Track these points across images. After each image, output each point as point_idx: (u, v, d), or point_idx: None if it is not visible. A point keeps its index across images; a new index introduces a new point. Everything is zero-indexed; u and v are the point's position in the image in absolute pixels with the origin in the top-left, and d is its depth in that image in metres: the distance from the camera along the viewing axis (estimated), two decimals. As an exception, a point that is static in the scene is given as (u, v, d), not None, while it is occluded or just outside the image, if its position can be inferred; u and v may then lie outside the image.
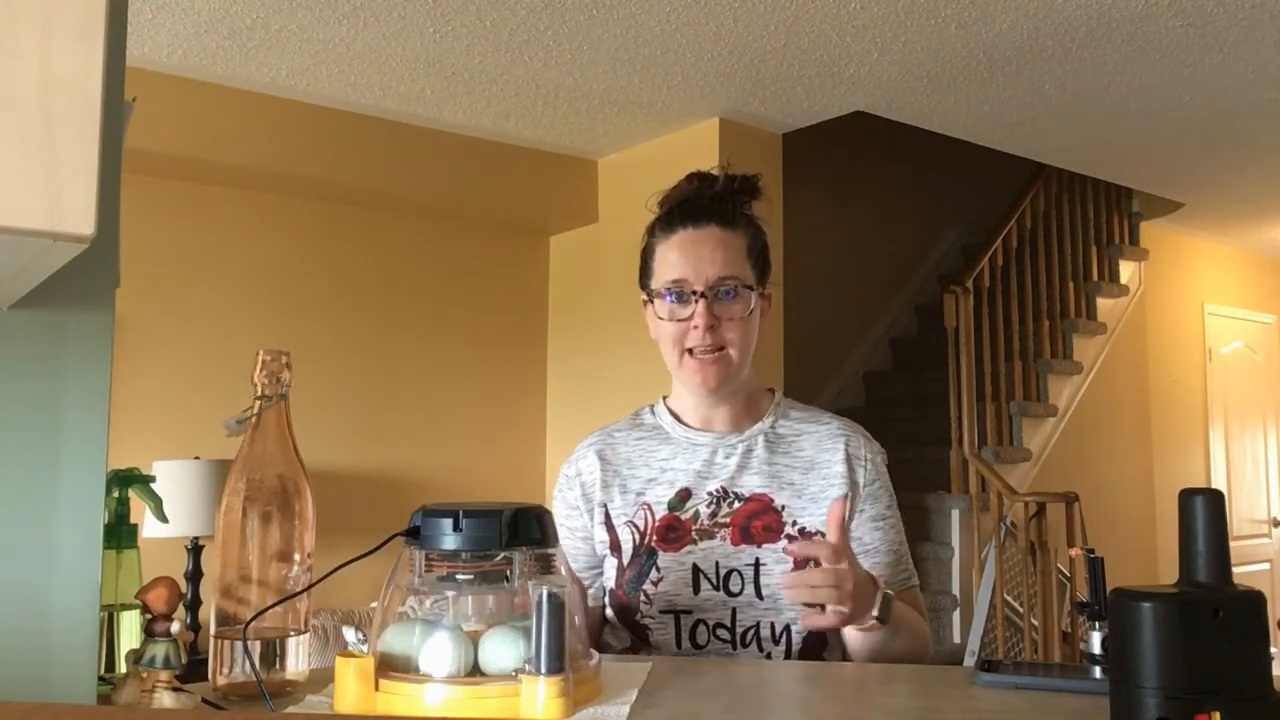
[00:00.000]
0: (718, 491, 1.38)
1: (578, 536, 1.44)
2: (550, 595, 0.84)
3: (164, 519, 1.09)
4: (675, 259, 1.37)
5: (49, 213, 0.61)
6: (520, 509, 0.95)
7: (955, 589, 4.48)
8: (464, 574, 0.94)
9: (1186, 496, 0.79)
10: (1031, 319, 5.14)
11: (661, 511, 1.38)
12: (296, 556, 1.00)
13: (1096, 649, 0.99)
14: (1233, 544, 0.90)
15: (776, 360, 4.04)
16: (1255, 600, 0.76)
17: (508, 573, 0.93)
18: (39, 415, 0.83)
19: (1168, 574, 0.80)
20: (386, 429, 4.22)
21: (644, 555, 1.37)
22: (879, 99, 3.81)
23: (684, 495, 1.39)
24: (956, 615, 4.45)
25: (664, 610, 1.34)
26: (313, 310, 4.07)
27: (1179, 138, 4.36)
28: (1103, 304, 5.57)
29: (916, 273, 6.04)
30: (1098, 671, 0.98)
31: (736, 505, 1.37)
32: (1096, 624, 1.00)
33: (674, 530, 1.37)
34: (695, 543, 1.35)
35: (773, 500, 1.37)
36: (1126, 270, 5.82)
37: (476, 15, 3.11)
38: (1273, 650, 0.78)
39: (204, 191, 3.88)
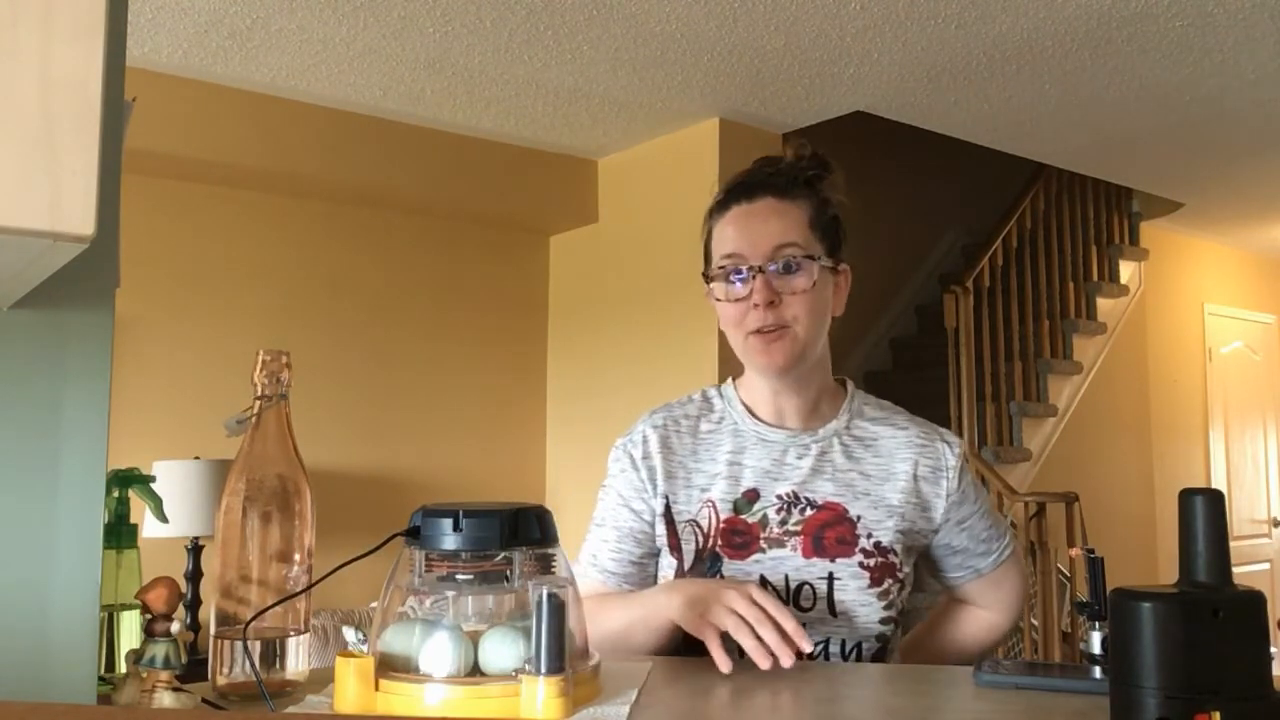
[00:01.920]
0: (788, 496, 1.29)
1: (644, 520, 1.33)
2: (550, 595, 0.84)
3: (164, 519, 1.09)
4: (730, 234, 1.29)
5: (49, 213, 0.61)
6: (520, 509, 0.95)
7: (955, 589, 4.47)
8: (464, 574, 0.94)
9: (1186, 496, 0.79)
10: (1031, 319, 5.14)
11: (726, 512, 1.29)
12: (296, 556, 1.00)
13: (1096, 649, 0.99)
14: (1233, 544, 0.90)
15: (776, 360, 4.03)
16: (1255, 600, 0.76)
17: (508, 573, 0.93)
18: (39, 415, 0.83)
19: (1168, 574, 0.80)
20: (386, 429, 4.22)
21: (707, 560, 1.28)
22: (879, 99, 3.80)
23: (751, 497, 1.29)
24: (956, 615, 4.45)
25: None
26: (313, 310, 4.07)
27: (1179, 138, 4.36)
28: (1103, 304, 5.57)
29: (916, 273, 6.04)
30: (1098, 671, 0.98)
31: (809, 513, 1.28)
32: (1096, 624, 1.00)
33: (740, 535, 1.27)
34: (763, 551, 1.26)
35: (847, 510, 1.28)
36: (1126, 270, 5.82)
37: (476, 15, 3.11)
38: (1273, 650, 0.78)
39: (204, 191, 3.88)
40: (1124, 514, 5.48)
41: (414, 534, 0.94)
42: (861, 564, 1.26)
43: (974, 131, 4.20)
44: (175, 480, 3.26)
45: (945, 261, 6.11)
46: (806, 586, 1.25)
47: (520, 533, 0.93)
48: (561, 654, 0.85)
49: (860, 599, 1.25)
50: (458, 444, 4.40)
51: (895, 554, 1.28)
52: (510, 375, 4.59)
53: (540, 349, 4.69)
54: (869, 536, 1.27)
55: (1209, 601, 0.75)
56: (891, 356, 5.77)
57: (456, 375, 4.43)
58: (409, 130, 4.01)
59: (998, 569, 1.39)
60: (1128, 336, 5.78)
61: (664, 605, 1.16)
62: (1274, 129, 4.25)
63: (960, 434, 4.57)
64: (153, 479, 1.08)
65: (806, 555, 1.26)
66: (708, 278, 1.33)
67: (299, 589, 0.99)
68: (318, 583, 1.00)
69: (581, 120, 4.01)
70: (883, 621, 1.26)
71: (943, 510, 1.32)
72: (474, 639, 0.90)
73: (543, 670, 0.84)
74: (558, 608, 0.84)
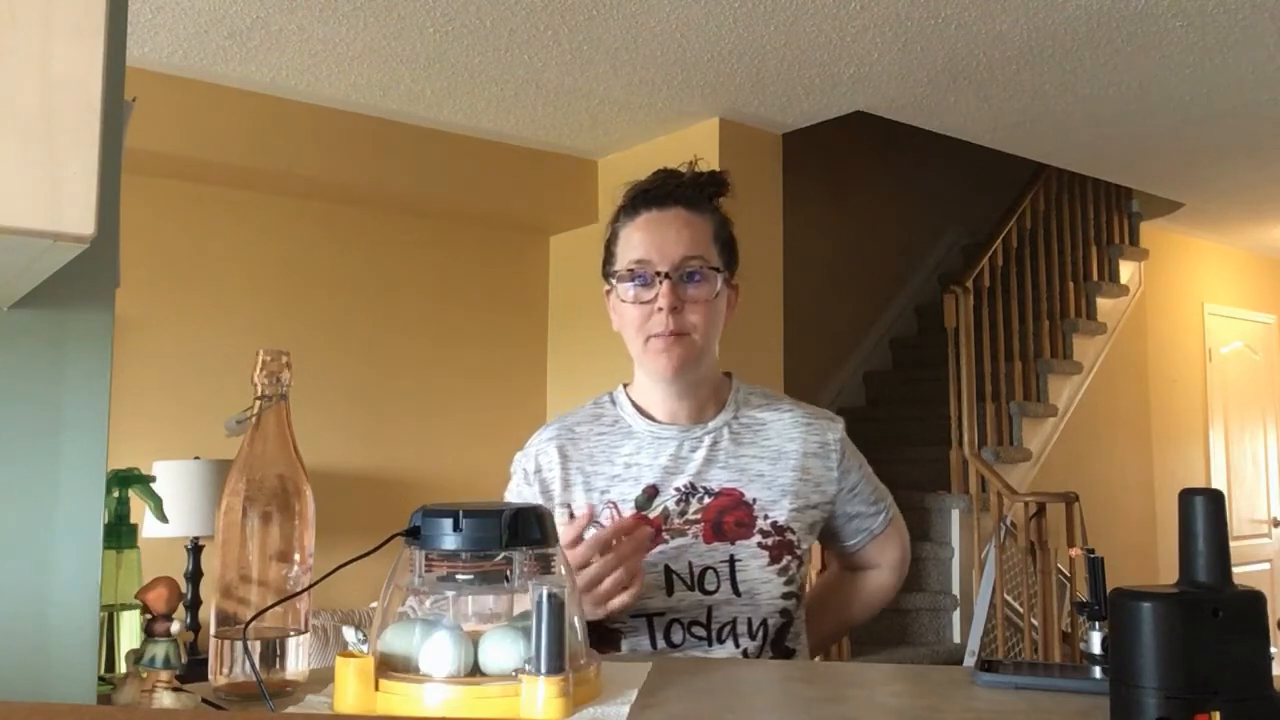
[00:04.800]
0: (686, 487, 1.34)
1: None
2: (550, 595, 0.84)
3: (164, 519, 1.09)
4: (639, 239, 1.34)
5: (49, 213, 0.61)
6: (520, 509, 0.95)
7: (955, 589, 4.48)
8: (464, 574, 0.94)
9: (1186, 496, 0.79)
10: (1031, 319, 5.14)
11: (628, 511, 1.34)
12: (296, 556, 1.00)
13: (1096, 649, 0.99)
14: (1233, 544, 0.90)
15: (776, 360, 4.03)
16: (1255, 600, 0.76)
17: (508, 573, 0.93)
18: (39, 415, 0.83)
19: (1168, 574, 0.80)
20: (386, 429, 4.22)
21: None
22: (879, 99, 3.80)
23: (651, 493, 1.34)
24: (956, 615, 4.45)
25: (636, 614, 1.29)
26: (313, 310, 4.07)
27: (1179, 138, 4.36)
28: (1103, 304, 5.58)
29: (916, 273, 6.04)
30: (1098, 671, 0.98)
31: (706, 500, 1.33)
32: (1096, 624, 1.00)
33: None
34: (666, 542, 1.31)
35: (743, 494, 1.34)
36: (1126, 270, 5.82)
37: (476, 15, 3.11)
38: (1273, 650, 0.78)
39: (204, 191, 3.88)
40: (1124, 514, 5.48)
41: (414, 534, 0.94)
42: (760, 544, 1.32)
43: (974, 131, 4.20)
44: (175, 480, 3.26)
45: (945, 261, 6.11)
46: (710, 570, 1.31)
47: (520, 533, 0.93)
48: (561, 654, 0.85)
49: (761, 577, 1.31)
50: (458, 444, 4.40)
51: (792, 532, 1.34)
52: (510, 375, 4.59)
53: (540, 349, 4.69)
54: (766, 517, 1.34)
55: (1209, 601, 0.75)
56: (891, 356, 5.76)
57: (456, 375, 4.43)
58: (409, 130, 4.01)
59: (888, 528, 1.46)
60: (1128, 336, 5.78)
61: None
62: (1274, 129, 4.25)
63: (960, 434, 4.58)
64: (153, 479, 1.08)
65: (708, 541, 1.32)
66: (610, 277, 1.38)
67: (299, 589, 0.99)
68: (318, 583, 1.00)
69: (581, 120, 4.01)
70: (785, 596, 1.33)
71: (835, 481, 1.40)
72: (474, 639, 0.91)
73: (543, 670, 0.84)
74: (558, 608, 0.84)
